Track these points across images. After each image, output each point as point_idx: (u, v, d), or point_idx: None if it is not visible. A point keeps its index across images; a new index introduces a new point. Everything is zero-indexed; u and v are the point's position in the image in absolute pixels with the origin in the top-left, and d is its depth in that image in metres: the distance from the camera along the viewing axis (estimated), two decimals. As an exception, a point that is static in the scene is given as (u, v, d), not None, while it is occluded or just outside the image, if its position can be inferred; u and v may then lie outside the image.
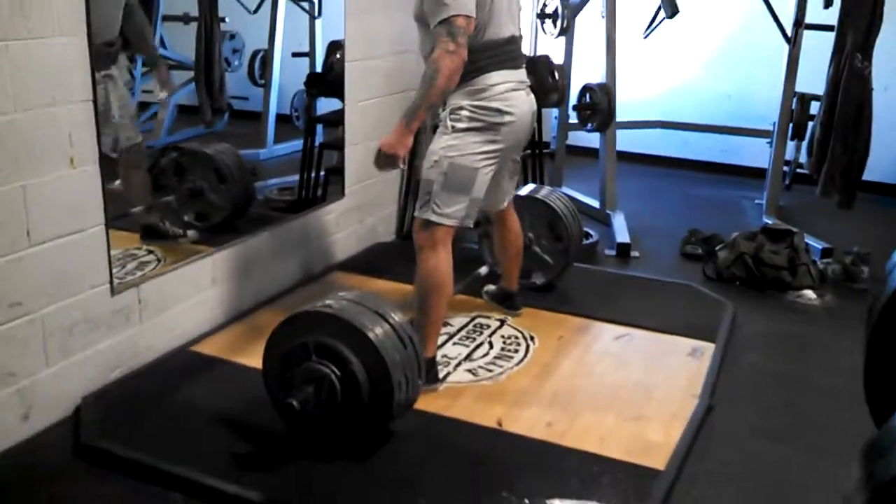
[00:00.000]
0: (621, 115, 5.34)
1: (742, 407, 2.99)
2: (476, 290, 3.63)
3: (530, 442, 2.61)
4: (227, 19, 4.31)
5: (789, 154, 5.46)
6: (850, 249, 4.32)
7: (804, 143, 5.00)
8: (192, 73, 4.24)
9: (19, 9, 2.35)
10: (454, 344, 3.26)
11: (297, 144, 4.53)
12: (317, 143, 4.47)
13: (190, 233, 3.68)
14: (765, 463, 2.66)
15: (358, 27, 3.95)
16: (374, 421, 2.43)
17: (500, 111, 2.77)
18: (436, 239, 2.79)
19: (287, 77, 4.89)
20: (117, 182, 3.44)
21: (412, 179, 4.49)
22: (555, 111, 5.48)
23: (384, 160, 2.74)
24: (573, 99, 5.22)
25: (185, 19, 4.21)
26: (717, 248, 4.34)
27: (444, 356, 3.12)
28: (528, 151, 4.73)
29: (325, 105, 4.42)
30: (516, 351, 3.22)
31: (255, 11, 4.60)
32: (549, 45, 5.36)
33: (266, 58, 4.89)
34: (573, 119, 5.27)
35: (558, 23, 5.13)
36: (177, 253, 3.37)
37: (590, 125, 5.09)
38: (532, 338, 3.34)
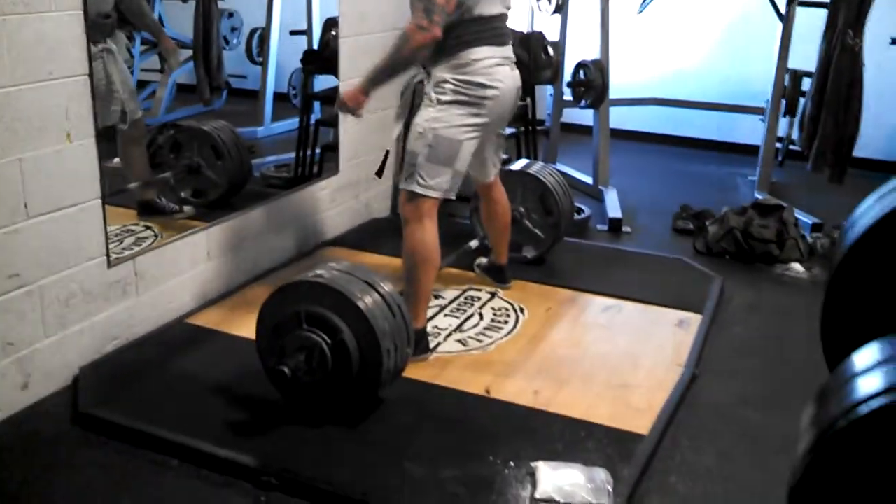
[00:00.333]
0: (615, 93, 5.37)
1: (727, 376, 3.05)
2: (468, 263, 3.69)
3: (517, 409, 2.68)
4: (224, -3, 4.36)
5: (782, 131, 5.49)
6: (839, 223, 4.36)
7: (796, 119, 5.04)
8: (190, 52, 4.29)
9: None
10: (445, 316, 3.32)
11: (295, 122, 4.58)
12: (313, 121, 4.52)
13: (186, 209, 3.74)
14: (747, 429, 2.72)
15: (351, 4, 3.99)
16: (363, 388, 2.49)
17: (483, 85, 2.81)
18: (422, 211, 2.84)
19: (285, 55, 4.93)
20: (115, 160, 3.50)
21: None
22: (550, 88, 5.51)
23: (344, 107, 2.97)
24: (568, 76, 5.25)
25: (184, -1, 4.25)
26: (707, 222, 4.40)
27: (435, 327, 3.18)
28: (522, 128, 4.78)
29: (323, 82, 4.46)
30: (506, 322, 3.29)
31: (252, -10, 4.63)
32: (545, 22, 5.38)
33: (264, 36, 4.93)
34: (568, 96, 5.30)
35: (553, 0, 5.16)
36: (174, 229, 3.43)
37: (584, 102, 5.12)
38: (522, 309, 3.40)
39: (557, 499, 2.20)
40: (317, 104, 4.68)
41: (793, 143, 5.39)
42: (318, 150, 4.41)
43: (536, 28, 5.34)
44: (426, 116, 2.82)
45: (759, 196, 4.91)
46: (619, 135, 5.81)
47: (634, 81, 6.23)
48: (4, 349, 2.56)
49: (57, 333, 2.71)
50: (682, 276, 3.87)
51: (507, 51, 2.93)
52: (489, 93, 2.82)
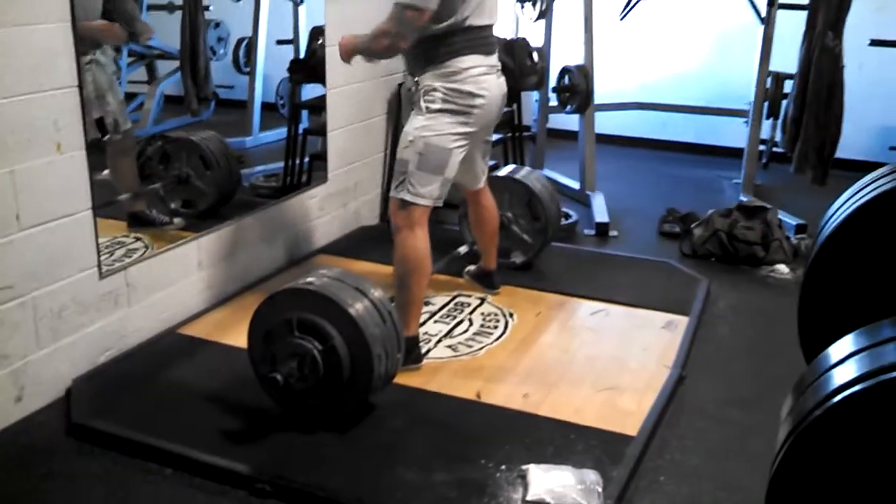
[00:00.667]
0: (600, 98, 5.43)
1: (714, 377, 3.09)
2: (457, 270, 3.72)
3: (507, 412, 2.71)
4: (211, 7, 4.37)
5: (766, 133, 5.55)
6: (822, 225, 4.42)
7: (779, 122, 5.09)
8: (177, 63, 4.30)
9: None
10: (435, 322, 3.35)
11: (283, 132, 4.59)
12: (301, 130, 4.54)
13: (176, 220, 3.76)
14: (734, 430, 2.76)
15: (337, 12, 4.02)
16: (355, 394, 2.52)
17: (472, 94, 2.84)
18: (413, 219, 2.87)
19: (272, 65, 4.94)
20: (104, 172, 3.52)
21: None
22: (535, 94, 5.56)
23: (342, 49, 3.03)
24: (553, 81, 5.30)
25: (170, 8, 4.26)
26: (693, 225, 4.45)
27: (426, 333, 3.21)
28: (509, 134, 4.82)
29: (310, 92, 4.48)
30: (495, 327, 3.32)
31: None
32: (528, 28, 5.43)
33: (251, 46, 4.95)
34: (553, 101, 5.35)
35: (537, 6, 5.21)
36: (164, 240, 3.45)
37: (569, 107, 5.17)
38: (511, 314, 3.43)
39: (549, 500, 2.24)
40: (304, 113, 4.70)
41: (776, 145, 5.46)
42: (306, 160, 4.43)
43: (521, 34, 5.37)
44: (416, 125, 2.86)
45: (743, 198, 4.96)
46: (605, 139, 5.86)
47: (619, 86, 6.28)
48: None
49: (50, 345, 2.72)
50: (668, 278, 3.91)
51: (494, 59, 2.97)
52: (477, 101, 2.86)
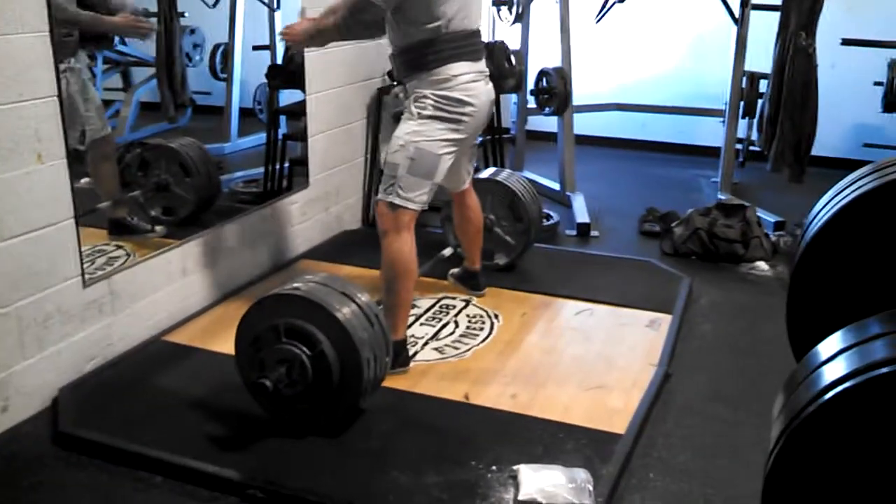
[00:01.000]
0: (578, 99, 5.46)
1: (699, 374, 3.12)
2: (441, 272, 3.73)
3: (496, 413, 2.72)
4: (186, 14, 4.35)
5: (742, 132, 5.61)
6: (801, 222, 4.46)
7: (755, 121, 5.15)
8: (153, 70, 4.28)
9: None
10: (421, 325, 3.36)
11: (262, 137, 4.58)
12: (280, 135, 4.53)
13: (157, 227, 3.74)
14: (720, 426, 2.79)
15: (314, 15, 4.01)
16: (345, 398, 2.52)
17: (462, 101, 2.85)
18: (401, 224, 2.87)
19: (249, 71, 4.93)
20: (84, 180, 3.49)
21: (375, 168, 4.58)
22: (514, 96, 5.58)
23: (289, 38, 3.12)
24: (531, 84, 5.33)
25: (145, 15, 4.24)
26: (673, 224, 4.48)
27: (412, 336, 3.22)
28: (489, 137, 4.84)
29: (288, 97, 4.48)
30: (481, 329, 3.33)
31: (214, 5, 4.64)
32: (506, 32, 5.46)
33: (227, 52, 4.93)
34: (532, 104, 5.37)
35: (514, 9, 5.24)
36: (145, 248, 3.43)
37: (547, 109, 5.20)
38: (496, 316, 3.45)
39: (540, 500, 2.25)
40: (283, 118, 4.69)
41: (753, 144, 5.51)
42: (286, 165, 4.42)
43: (498, 38, 5.39)
44: (407, 129, 2.86)
45: (722, 197, 5.01)
46: (584, 141, 5.89)
47: (597, 88, 6.33)
48: (-18, 373, 2.55)
49: (35, 355, 2.70)
50: (651, 277, 3.94)
51: (482, 65, 2.98)
52: (467, 109, 2.87)
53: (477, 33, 2.96)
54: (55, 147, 2.69)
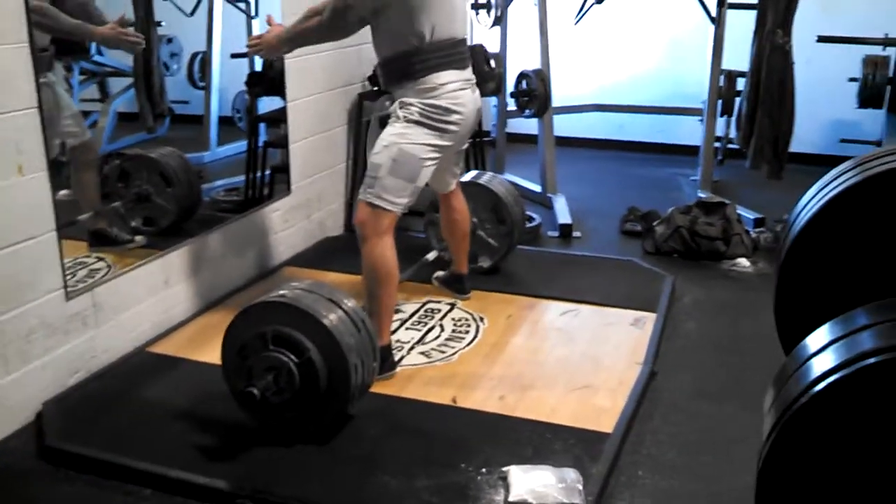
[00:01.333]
0: (558, 101, 5.48)
1: (684, 371, 3.14)
2: (425, 276, 3.73)
3: (484, 416, 2.72)
4: (163, 23, 4.33)
5: (721, 130, 5.66)
6: (780, 218, 4.51)
7: (733, 119, 5.19)
8: (130, 80, 4.26)
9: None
10: (406, 329, 3.36)
11: (242, 145, 4.56)
12: (260, 143, 4.52)
13: (138, 238, 3.71)
14: (707, 422, 2.81)
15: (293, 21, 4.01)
16: (333, 404, 2.51)
17: (448, 110, 2.86)
18: (381, 227, 2.87)
19: (227, 79, 4.91)
20: (62, 192, 3.46)
21: (357, 174, 4.58)
22: (493, 99, 5.60)
23: (259, 48, 3.13)
24: (511, 86, 5.34)
25: (122, 24, 4.21)
26: (654, 223, 4.51)
27: (398, 341, 3.22)
28: (470, 140, 4.84)
29: (267, 104, 4.47)
30: (467, 332, 3.34)
31: (192, 14, 4.62)
32: (484, 35, 5.47)
33: (205, 60, 4.91)
34: (512, 106, 5.39)
35: (492, 12, 5.25)
36: (127, 259, 3.40)
37: (528, 111, 5.21)
38: (482, 319, 3.45)
39: (531, 500, 2.25)
40: (263, 126, 4.68)
41: (731, 141, 5.56)
42: (267, 172, 4.41)
43: (477, 41, 5.41)
44: (392, 131, 2.86)
45: (702, 195, 5.05)
46: (565, 142, 5.92)
47: (577, 89, 6.36)
48: (-35, 389, 2.53)
49: (19, 369, 2.68)
50: (634, 276, 3.96)
51: (469, 73, 2.99)
52: (454, 117, 2.88)
53: (463, 42, 2.97)
54: (36, 159, 2.67)
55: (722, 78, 5.35)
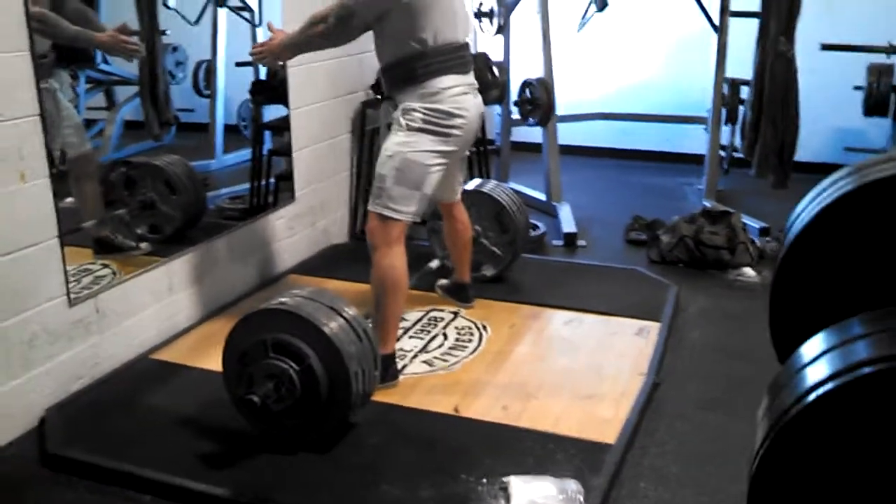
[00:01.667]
0: (563, 109, 5.48)
1: (688, 381, 3.13)
2: (429, 284, 3.73)
3: (486, 425, 2.71)
4: (168, 32, 4.34)
5: (726, 139, 5.65)
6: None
7: (738, 127, 5.18)
8: (136, 88, 4.27)
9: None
10: (410, 337, 3.36)
11: (247, 153, 4.57)
12: (265, 151, 4.53)
13: (143, 245, 3.72)
14: (711, 432, 2.79)
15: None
16: (334, 413, 2.51)
17: (451, 114, 2.86)
18: (391, 236, 2.87)
19: (232, 87, 4.92)
20: (68, 199, 3.47)
21: (361, 182, 4.59)
22: (498, 108, 5.60)
23: (263, 57, 3.16)
24: (514, 95, 5.34)
25: (122, 31, 4.23)
26: (659, 232, 4.50)
27: (401, 349, 3.21)
28: (474, 149, 4.84)
29: (273, 112, 4.47)
30: (470, 341, 3.33)
31: (196, 23, 4.63)
32: (488, 43, 5.48)
33: (210, 68, 4.93)
34: (516, 115, 5.39)
35: (495, 21, 5.25)
36: (132, 266, 3.40)
37: (531, 119, 5.21)
38: (485, 327, 3.45)
39: (532, 511, 2.24)
40: (268, 134, 4.68)
41: (736, 150, 5.54)
42: (272, 180, 4.42)
43: (480, 49, 5.42)
44: (396, 141, 2.86)
45: (707, 204, 5.03)
46: (569, 150, 5.91)
47: (581, 97, 6.35)
48: (-32, 395, 2.53)
49: (21, 375, 2.68)
50: (638, 286, 3.95)
51: (471, 78, 3.00)
52: (456, 122, 2.88)
53: (465, 46, 2.97)
54: (38, 166, 2.68)
55: (726, 86, 5.33)
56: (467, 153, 3.30)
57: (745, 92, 5.03)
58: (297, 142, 4.13)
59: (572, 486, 2.33)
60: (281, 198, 4.29)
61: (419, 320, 3.52)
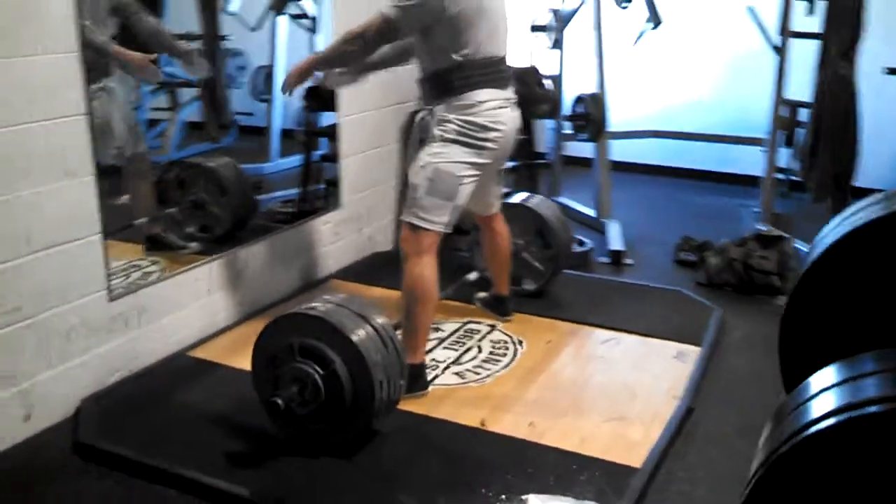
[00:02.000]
0: (617, 126, 5.42)
1: (724, 408, 3.05)
2: (467, 295, 3.72)
3: (512, 441, 2.69)
4: (231, 37, 4.44)
5: (785, 161, 5.52)
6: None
7: (794, 151, 5.07)
8: (197, 91, 4.38)
9: (14, 28, 2.49)
10: (444, 348, 3.35)
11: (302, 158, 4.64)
12: (319, 156, 4.58)
13: (193, 244, 3.80)
14: (742, 461, 2.68)
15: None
16: (357, 419, 2.52)
17: (486, 127, 2.86)
18: (422, 246, 2.88)
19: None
20: (124, 196, 3.57)
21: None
22: (550, 122, 5.57)
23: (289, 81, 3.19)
24: (568, 109, 5.32)
25: (189, 38, 4.33)
26: (707, 254, 4.41)
27: (433, 360, 3.21)
28: (522, 162, 4.83)
29: (331, 119, 4.53)
30: (504, 355, 3.31)
31: (255, 29, 4.72)
32: (543, 57, 5.46)
33: (269, 74, 5.02)
34: (568, 130, 5.36)
35: (550, 35, 5.24)
36: (179, 263, 3.48)
37: (582, 135, 5.18)
38: (521, 342, 3.42)
39: (548, 530, 2.22)
40: (325, 140, 4.74)
41: (797, 174, 5.41)
42: (321, 186, 4.47)
43: (534, 63, 5.40)
44: (429, 151, 2.88)
45: (761, 227, 4.92)
46: (622, 167, 5.84)
47: (635, 113, 6.28)
48: (7, 382, 2.61)
49: (59, 366, 2.76)
50: (681, 308, 3.88)
51: (509, 92, 2.99)
52: (491, 135, 2.88)
53: (503, 60, 2.97)
54: (84, 164, 2.76)
55: (786, 108, 5.21)
56: (506, 166, 3.28)
57: (803, 114, 4.91)
58: (346, 149, 4.17)
59: (592, 507, 2.30)
60: (331, 203, 4.34)
61: (455, 331, 3.51)
